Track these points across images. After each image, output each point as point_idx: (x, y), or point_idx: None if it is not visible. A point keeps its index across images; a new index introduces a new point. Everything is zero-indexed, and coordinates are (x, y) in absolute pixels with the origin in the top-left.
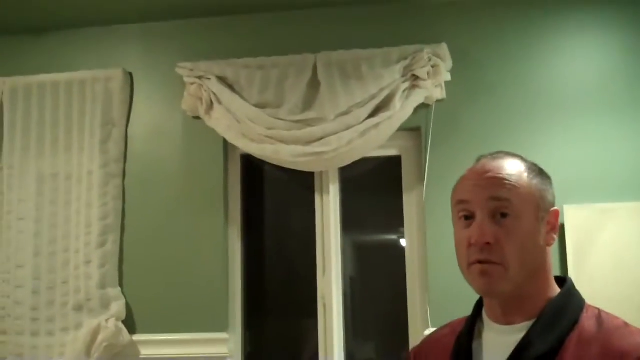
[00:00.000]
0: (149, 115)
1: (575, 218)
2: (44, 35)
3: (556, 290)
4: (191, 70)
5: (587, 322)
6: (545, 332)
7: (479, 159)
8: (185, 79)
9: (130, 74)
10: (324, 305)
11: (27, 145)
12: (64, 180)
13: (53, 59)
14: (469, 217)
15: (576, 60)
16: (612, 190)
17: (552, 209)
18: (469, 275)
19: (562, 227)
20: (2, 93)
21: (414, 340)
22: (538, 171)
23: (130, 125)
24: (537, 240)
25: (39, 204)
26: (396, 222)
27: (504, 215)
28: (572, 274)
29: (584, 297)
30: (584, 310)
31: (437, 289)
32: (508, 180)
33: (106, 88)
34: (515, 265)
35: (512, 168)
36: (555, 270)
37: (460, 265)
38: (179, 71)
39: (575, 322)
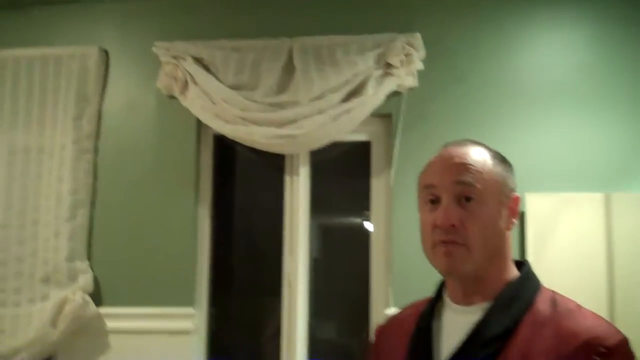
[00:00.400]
0: (124, 93)
1: (537, 206)
2: (21, 10)
3: (514, 273)
4: (167, 49)
5: (541, 304)
6: (501, 314)
7: (445, 146)
8: (161, 58)
9: (106, 52)
10: (289, 285)
11: (0, 118)
12: (37, 154)
13: (29, 34)
14: (435, 201)
15: (545, 54)
16: (574, 180)
17: (513, 194)
18: (433, 255)
19: (523, 214)
20: None
21: (376, 321)
22: (501, 159)
23: (104, 102)
24: (498, 224)
25: (10, 175)
26: (363, 206)
27: (468, 199)
28: (531, 260)
29: (544, 282)
30: (539, 293)
31: (400, 271)
32: (473, 166)
33: (82, 65)
34: (477, 246)
35: (477, 155)
36: (514, 256)
37: (424, 247)
38: (155, 50)
39: (530, 304)
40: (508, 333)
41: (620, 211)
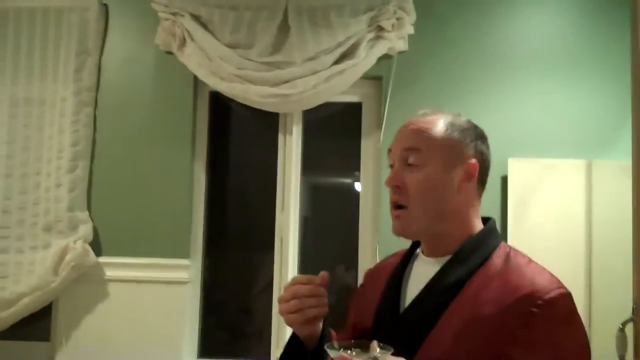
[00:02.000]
0: (123, 47)
1: (519, 171)
2: None
3: (478, 228)
4: (166, 6)
5: (496, 259)
6: (458, 266)
7: (412, 117)
8: (160, 15)
9: (106, 5)
10: (281, 240)
11: (2, 70)
12: (38, 106)
13: None
14: (392, 166)
15: (531, 22)
16: (556, 146)
17: (470, 160)
18: (391, 216)
19: (505, 179)
20: None
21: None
22: (464, 127)
23: (103, 55)
24: (441, 183)
25: (12, 127)
26: (352, 166)
27: (413, 162)
28: (511, 224)
29: (523, 248)
30: (497, 249)
31: (386, 230)
32: (422, 132)
33: (82, 18)
34: (416, 207)
35: (431, 122)
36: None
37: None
38: (154, 6)
39: (486, 258)
40: (461, 284)
41: (601, 178)
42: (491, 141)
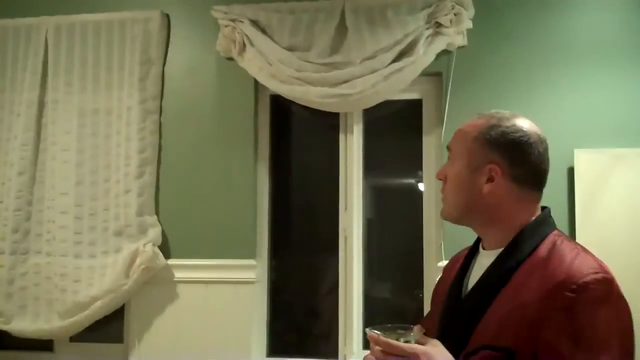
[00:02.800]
0: (185, 55)
1: (586, 162)
2: None
3: (529, 219)
4: (225, 13)
5: (543, 248)
6: (508, 256)
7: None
8: (220, 22)
9: (168, 16)
10: (345, 239)
11: (70, 82)
12: (105, 115)
13: (95, 0)
14: None
15: (593, 10)
16: (624, 136)
17: (489, 165)
18: None
19: (572, 170)
20: (47, 31)
21: (428, 280)
22: (493, 137)
23: (167, 64)
24: (466, 183)
25: (81, 136)
26: (415, 165)
27: (450, 158)
28: (579, 217)
29: (594, 239)
30: (547, 238)
31: (451, 229)
32: (459, 135)
33: (145, 28)
34: (449, 199)
35: (472, 126)
36: (563, 213)
37: None
38: (214, 14)
39: (535, 247)
40: (510, 273)
41: None
42: (555, 133)
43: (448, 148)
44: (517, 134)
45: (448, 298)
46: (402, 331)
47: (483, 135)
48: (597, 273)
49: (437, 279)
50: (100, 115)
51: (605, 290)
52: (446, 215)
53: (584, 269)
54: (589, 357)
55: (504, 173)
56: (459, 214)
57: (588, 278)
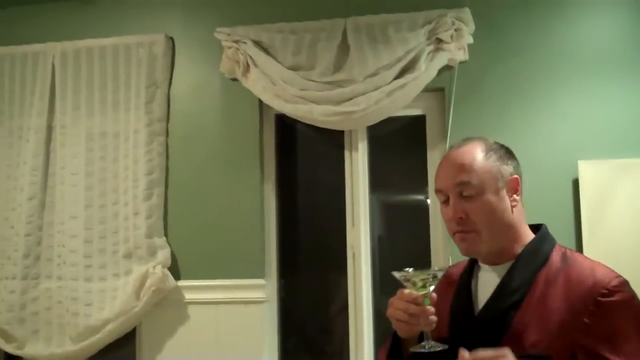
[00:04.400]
0: (190, 77)
1: (590, 173)
2: (91, 3)
3: (530, 236)
4: (229, 34)
5: (554, 259)
6: (521, 270)
7: (448, 149)
8: (223, 43)
9: (172, 39)
10: (353, 255)
11: (77, 106)
12: (112, 138)
13: (100, 25)
14: (446, 201)
15: (595, 21)
16: (628, 146)
17: (510, 177)
18: (455, 241)
19: (577, 182)
20: (54, 57)
21: None
22: (495, 149)
23: (172, 86)
24: (499, 206)
25: (90, 160)
26: (422, 181)
27: (468, 194)
28: (586, 228)
29: (602, 251)
30: (554, 250)
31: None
32: (466, 165)
33: (150, 52)
34: (485, 230)
35: (470, 152)
36: (569, 225)
37: (449, 233)
38: (218, 36)
39: (546, 259)
40: (528, 285)
41: None
42: (559, 145)
43: (444, 190)
44: (504, 146)
45: (457, 312)
46: (440, 269)
47: (490, 152)
48: (619, 276)
49: None
50: (107, 138)
51: (630, 291)
52: (477, 251)
53: (607, 274)
54: (629, 357)
55: (520, 183)
56: (492, 245)
57: (615, 282)
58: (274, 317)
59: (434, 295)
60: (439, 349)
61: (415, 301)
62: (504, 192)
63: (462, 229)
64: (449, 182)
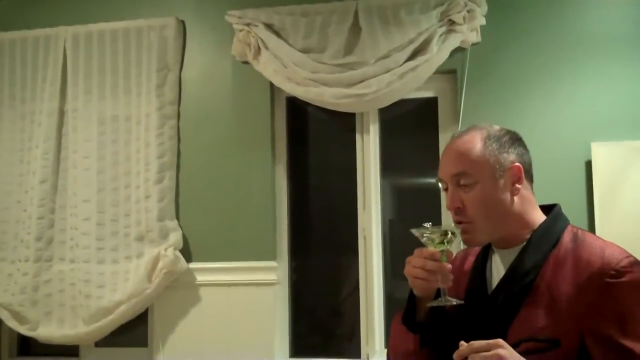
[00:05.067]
0: (201, 60)
1: (603, 155)
2: None
3: (541, 218)
4: (240, 17)
5: (565, 240)
6: (532, 251)
7: (452, 137)
8: (234, 26)
9: (183, 22)
10: (364, 238)
11: (89, 90)
12: (124, 122)
13: (111, 9)
14: (447, 189)
15: (608, 3)
16: None
17: (512, 165)
18: None
19: (589, 164)
20: (65, 41)
21: None
22: (497, 137)
23: (183, 70)
24: (495, 196)
25: (102, 143)
26: (433, 162)
27: (465, 183)
28: (598, 210)
29: (614, 234)
30: (565, 231)
31: None
32: (464, 154)
33: (161, 35)
34: (480, 220)
35: (468, 141)
36: (582, 207)
37: None
38: (229, 19)
39: (557, 241)
40: (538, 267)
41: None
42: (571, 127)
43: (444, 179)
44: (510, 132)
45: (470, 294)
46: (456, 226)
47: (490, 140)
48: (629, 257)
49: None
50: (119, 122)
51: (636, 270)
52: (477, 241)
53: (616, 254)
54: (638, 338)
55: (524, 169)
56: (491, 233)
57: (624, 262)
58: (285, 299)
59: (452, 252)
60: (454, 303)
61: (433, 257)
62: (502, 181)
63: (459, 219)
64: (447, 172)
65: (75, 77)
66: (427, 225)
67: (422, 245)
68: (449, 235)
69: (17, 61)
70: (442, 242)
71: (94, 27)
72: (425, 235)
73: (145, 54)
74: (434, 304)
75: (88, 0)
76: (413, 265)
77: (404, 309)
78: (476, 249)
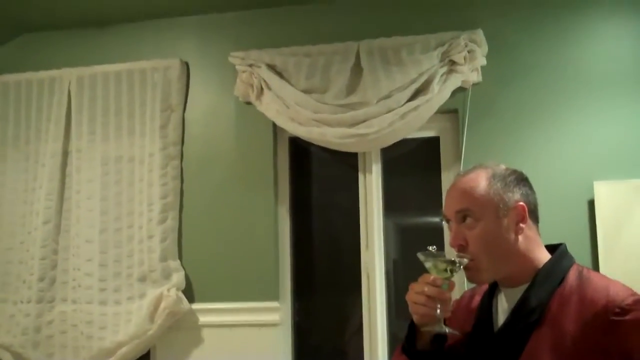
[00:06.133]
0: (204, 101)
1: (606, 194)
2: (106, 28)
3: (546, 257)
4: (242, 58)
5: (571, 278)
6: (537, 290)
7: (457, 175)
8: (237, 67)
9: (187, 63)
10: (368, 277)
11: (93, 130)
12: (127, 162)
13: (115, 50)
14: (451, 228)
15: (608, 41)
16: None
17: (516, 204)
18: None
19: (592, 203)
20: (70, 82)
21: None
22: (502, 176)
23: (187, 110)
24: (498, 235)
25: (105, 184)
26: (436, 202)
27: (468, 221)
28: (602, 249)
29: (618, 272)
30: (571, 269)
31: None
32: (468, 192)
33: (164, 76)
34: (483, 258)
35: (473, 179)
36: (585, 246)
37: None
38: (232, 60)
39: (562, 279)
40: (544, 305)
41: None
42: (574, 165)
43: (448, 216)
44: (516, 172)
45: (476, 331)
46: (460, 255)
47: (495, 179)
48: (634, 295)
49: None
50: (123, 162)
51: None
52: (479, 279)
53: (621, 293)
54: None
55: (528, 209)
56: (494, 272)
57: (629, 300)
58: (288, 340)
59: (454, 283)
60: (448, 332)
61: (433, 283)
62: (506, 220)
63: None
64: (451, 209)
65: (79, 118)
66: (432, 248)
67: (427, 271)
68: (455, 264)
69: (22, 102)
70: (445, 270)
71: (98, 68)
72: (429, 260)
73: (149, 94)
74: (428, 328)
75: (92, 43)
76: (415, 291)
77: (404, 337)
78: (483, 288)
